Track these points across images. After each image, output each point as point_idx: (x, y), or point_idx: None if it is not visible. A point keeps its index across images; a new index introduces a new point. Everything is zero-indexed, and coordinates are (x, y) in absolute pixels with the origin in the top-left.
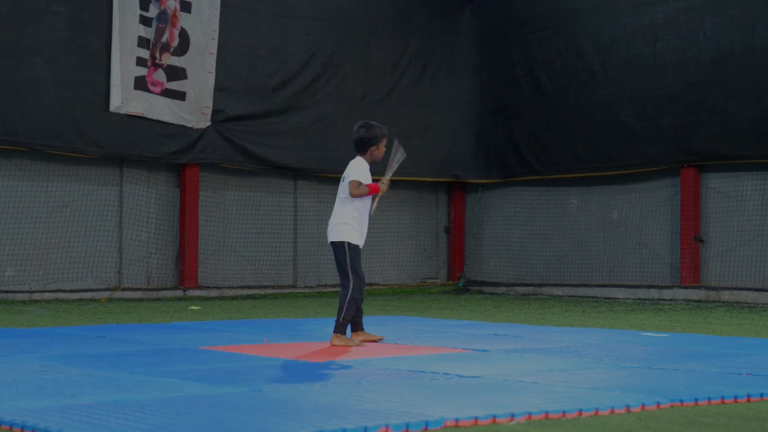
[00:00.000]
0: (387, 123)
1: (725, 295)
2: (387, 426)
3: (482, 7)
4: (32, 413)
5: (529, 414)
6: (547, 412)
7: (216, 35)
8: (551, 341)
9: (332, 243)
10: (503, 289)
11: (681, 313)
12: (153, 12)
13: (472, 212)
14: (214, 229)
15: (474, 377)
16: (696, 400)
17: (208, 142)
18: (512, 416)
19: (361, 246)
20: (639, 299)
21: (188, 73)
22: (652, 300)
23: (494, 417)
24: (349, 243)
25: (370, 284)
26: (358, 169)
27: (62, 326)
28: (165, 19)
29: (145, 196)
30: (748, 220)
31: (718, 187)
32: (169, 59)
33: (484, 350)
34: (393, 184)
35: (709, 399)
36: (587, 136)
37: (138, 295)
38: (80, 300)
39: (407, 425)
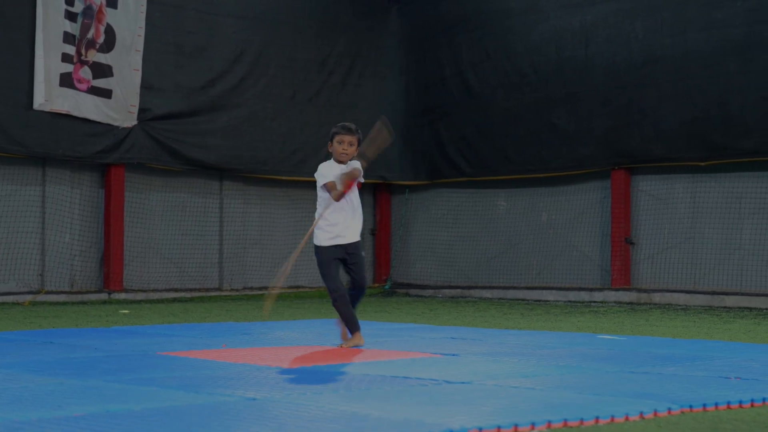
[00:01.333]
0: (316, 123)
1: (656, 298)
2: None
3: (409, 7)
4: (28, 426)
5: (549, 422)
6: (566, 420)
7: (142, 32)
8: (513, 344)
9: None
10: (431, 291)
11: (619, 315)
12: (78, 7)
13: (398, 214)
14: (139, 231)
15: (464, 383)
16: (704, 405)
17: (135, 142)
18: (533, 425)
19: (338, 243)
20: (570, 301)
21: (114, 70)
22: (584, 302)
23: (516, 426)
24: (315, 246)
25: (297, 287)
26: (320, 174)
27: None
28: (91, 14)
29: (68, 197)
30: (679, 223)
31: (648, 189)
32: (95, 56)
33: (453, 354)
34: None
35: (717, 404)
36: (517, 138)
37: (62, 298)
38: (2, 304)
39: None
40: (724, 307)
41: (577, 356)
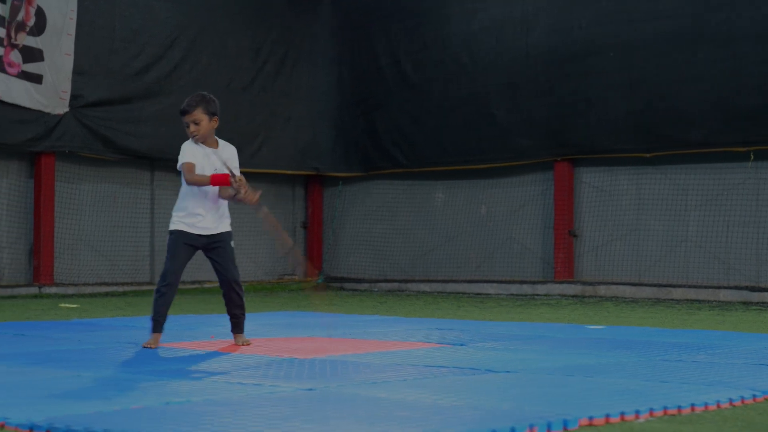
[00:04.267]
0: (251, 112)
1: (602, 290)
2: (532, 426)
3: None
4: (91, 419)
5: (652, 410)
6: (665, 408)
7: (74, 15)
8: (508, 334)
9: None
10: (366, 285)
11: (570, 307)
12: None
13: (331, 207)
14: (69, 223)
15: (509, 372)
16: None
17: (66, 129)
18: (637, 413)
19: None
20: (511, 294)
21: (45, 54)
22: (527, 295)
23: (623, 414)
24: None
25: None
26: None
27: None
28: None
29: None
30: (623, 215)
31: (591, 181)
32: (25, 39)
33: (460, 344)
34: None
35: None
36: (455, 128)
37: None
38: None
39: (549, 425)
40: (673, 299)
41: (589, 345)
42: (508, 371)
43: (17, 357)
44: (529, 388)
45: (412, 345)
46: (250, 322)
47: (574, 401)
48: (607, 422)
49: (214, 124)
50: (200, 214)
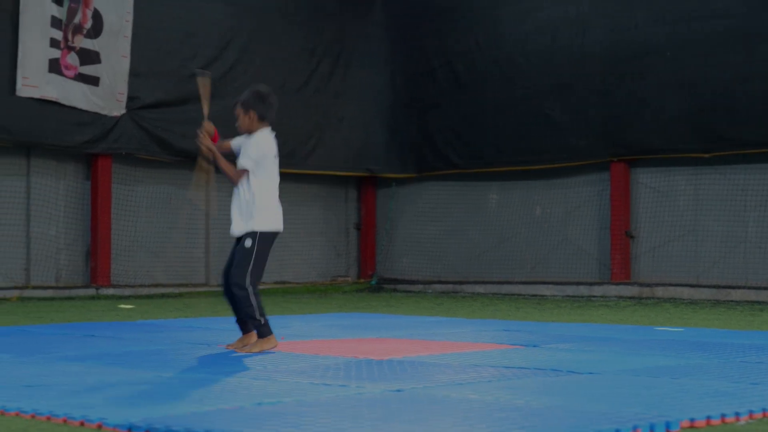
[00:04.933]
0: (304, 114)
1: (659, 292)
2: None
3: None
4: (186, 419)
5: (752, 412)
6: (751, 411)
7: (130, 17)
8: (578, 335)
9: None
10: (420, 287)
11: (630, 308)
12: None
13: (384, 208)
14: (125, 225)
15: (592, 374)
16: None
17: (123, 131)
18: (737, 415)
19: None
20: (567, 296)
21: (102, 57)
22: (583, 297)
23: (723, 416)
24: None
25: (283, 282)
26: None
27: (16, 325)
28: None
29: (54, 189)
30: (680, 216)
31: (648, 182)
32: (82, 42)
33: (533, 345)
34: (303, 178)
35: None
36: (509, 129)
37: (49, 293)
38: None
39: (652, 426)
40: (732, 301)
41: (663, 347)
42: (591, 372)
43: (92, 358)
44: (618, 389)
45: (484, 346)
46: (312, 323)
47: (669, 403)
48: (708, 424)
49: (252, 119)
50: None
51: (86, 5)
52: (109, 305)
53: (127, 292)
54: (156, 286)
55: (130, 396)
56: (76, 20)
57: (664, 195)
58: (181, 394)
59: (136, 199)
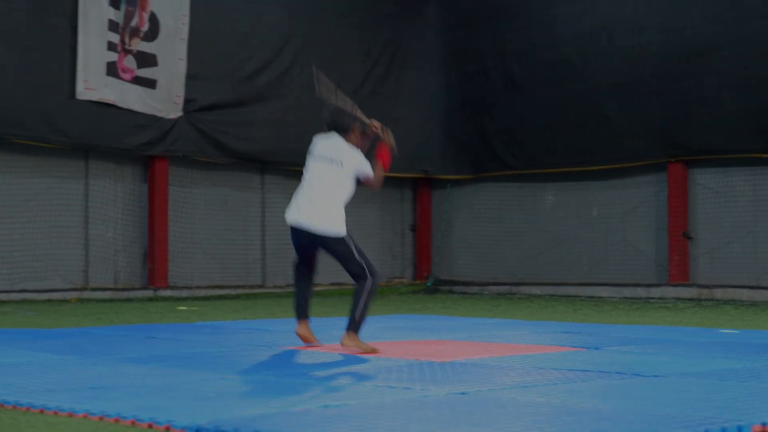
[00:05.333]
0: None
1: (718, 293)
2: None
3: None
4: (256, 421)
5: None
6: None
7: (187, 20)
8: (642, 338)
9: (326, 236)
10: (476, 288)
11: (690, 310)
12: None
13: (439, 209)
14: (182, 227)
15: (656, 377)
16: None
17: (180, 133)
18: None
19: None
20: (625, 298)
21: (159, 59)
22: (641, 298)
23: None
24: (349, 236)
25: (339, 283)
26: (361, 158)
27: (80, 327)
28: (134, 2)
29: (111, 191)
30: (740, 217)
31: (706, 182)
32: (139, 45)
33: (595, 347)
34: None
35: None
36: (565, 130)
37: (107, 295)
38: (50, 301)
39: (723, 430)
40: None
41: (728, 349)
42: (656, 375)
43: (156, 359)
44: (686, 392)
45: (546, 348)
46: (370, 325)
47: (738, 406)
48: None
49: (352, 136)
50: None
51: (143, 8)
52: (167, 307)
53: (184, 293)
54: (213, 287)
55: (195, 398)
56: (133, 23)
57: (723, 196)
58: (246, 396)
59: (192, 201)
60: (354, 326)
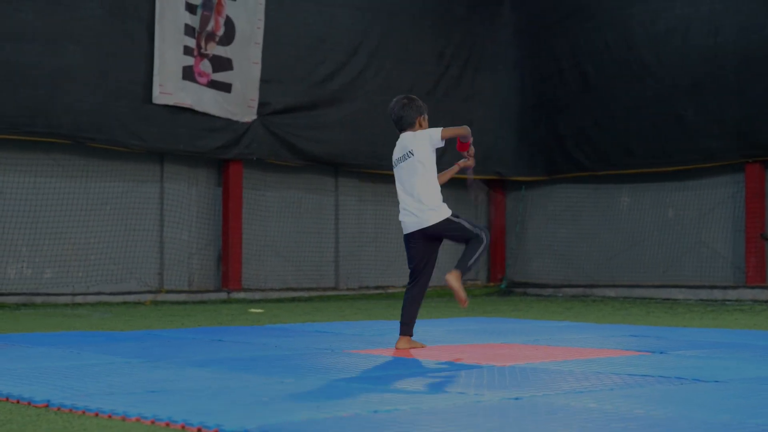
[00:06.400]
0: (434, 117)
1: None
2: None
3: None
4: (303, 426)
5: None
6: None
7: (262, 24)
8: (709, 342)
9: (434, 225)
10: (550, 290)
11: (766, 313)
12: None
13: (513, 211)
14: (255, 229)
15: (717, 382)
16: None
17: (254, 137)
18: None
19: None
20: (701, 300)
21: (234, 63)
22: (717, 301)
23: None
24: (453, 214)
25: (386, 286)
26: (424, 133)
27: (151, 329)
28: (210, 6)
29: (186, 194)
30: None
31: None
32: (215, 49)
33: (660, 352)
34: None
35: None
36: (640, 130)
37: (182, 297)
38: (125, 303)
39: None
40: None
41: None
42: (716, 381)
43: (218, 363)
44: (743, 399)
45: (610, 353)
46: (438, 328)
47: None
48: None
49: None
50: None
51: (218, 13)
52: (240, 309)
53: (257, 295)
54: (286, 290)
55: (249, 402)
56: (209, 28)
57: None
58: (299, 400)
59: (266, 204)
60: (463, 267)
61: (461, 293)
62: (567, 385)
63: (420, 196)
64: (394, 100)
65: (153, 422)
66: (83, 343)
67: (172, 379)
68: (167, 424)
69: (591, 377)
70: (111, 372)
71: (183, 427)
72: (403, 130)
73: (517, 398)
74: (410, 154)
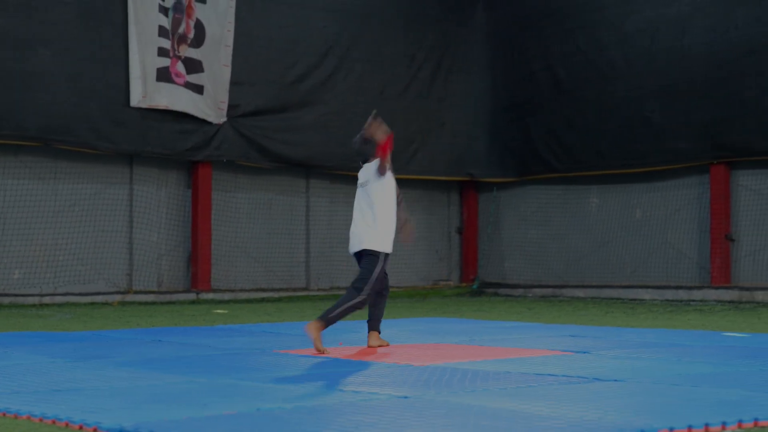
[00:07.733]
0: (405, 119)
1: (759, 296)
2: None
3: (496, 1)
4: (181, 425)
5: (741, 422)
6: (756, 420)
7: (232, 27)
8: (640, 342)
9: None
10: (520, 291)
11: (722, 313)
12: (169, 2)
13: (485, 212)
14: (225, 231)
15: (616, 381)
16: None
17: (224, 139)
18: (724, 424)
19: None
20: (666, 300)
21: (204, 65)
22: (682, 301)
23: (708, 426)
24: (384, 253)
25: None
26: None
27: (102, 330)
28: (180, 9)
29: (155, 196)
30: None
31: (749, 184)
32: (186, 51)
33: (583, 351)
34: (404, 182)
35: None
36: (609, 132)
37: (150, 298)
38: (93, 303)
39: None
40: None
41: (716, 354)
42: (615, 380)
43: (141, 363)
44: (629, 398)
45: (535, 353)
46: (389, 329)
47: (666, 411)
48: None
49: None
50: None
51: (189, 16)
52: (206, 310)
53: (227, 296)
54: (256, 290)
55: (147, 401)
56: (180, 30)
57: (766, 198)
58: (193, 398)
59: (236, 206)
60: (325, 318)
61: (317, 344)
62: (469, 385)
63: (365, 223)
64: (357, 135)
65: (41, 420)
66: (21, 344)
67: (86, 379)
68: (53, 422)
69: (497, 377)
70: (29, 372)
71: (67, 425)
72: (365, 160)
73: (405, 396)
74: (364, 185)
